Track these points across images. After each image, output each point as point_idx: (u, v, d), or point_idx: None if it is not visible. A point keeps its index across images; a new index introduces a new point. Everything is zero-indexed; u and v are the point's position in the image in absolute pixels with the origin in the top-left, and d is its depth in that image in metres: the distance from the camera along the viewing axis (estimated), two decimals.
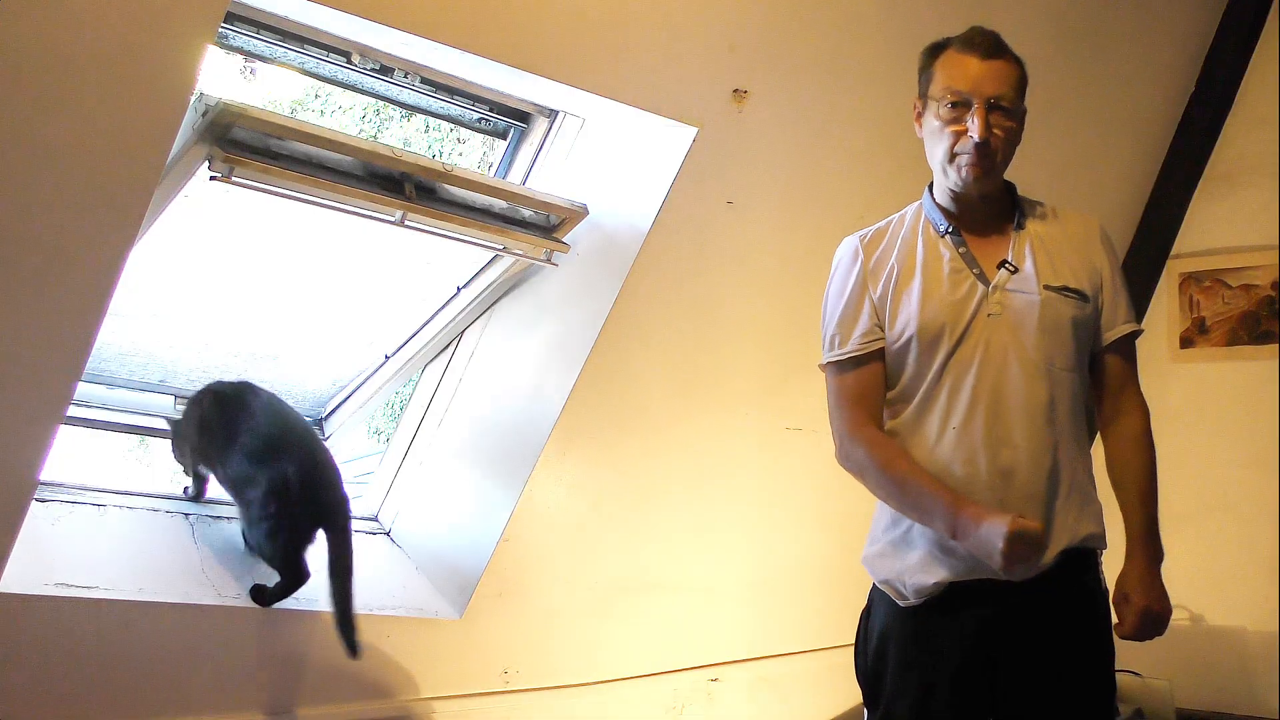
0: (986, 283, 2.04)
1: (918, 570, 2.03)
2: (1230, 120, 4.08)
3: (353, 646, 2.42)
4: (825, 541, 3.47)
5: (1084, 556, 2.02)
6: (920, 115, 2.08)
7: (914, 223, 2.13)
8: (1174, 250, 4.14)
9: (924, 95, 2.07)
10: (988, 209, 2.09)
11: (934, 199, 2.11)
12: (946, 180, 2.06)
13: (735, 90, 2.62)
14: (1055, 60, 3.25)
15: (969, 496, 1.96)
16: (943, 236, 2.08)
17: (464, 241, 2.63)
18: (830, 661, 3.44)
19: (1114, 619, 2.02)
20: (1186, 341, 4.05)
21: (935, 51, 2.07)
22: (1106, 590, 2.05)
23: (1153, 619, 1.98)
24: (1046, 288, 2.02)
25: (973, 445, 1.99)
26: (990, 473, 1.98)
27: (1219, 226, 4.07)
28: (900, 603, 2.07)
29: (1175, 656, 3.64)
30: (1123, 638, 2.01)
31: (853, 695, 3.55)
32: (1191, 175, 4.11)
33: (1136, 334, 2.10)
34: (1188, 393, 3.90)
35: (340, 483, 2.54)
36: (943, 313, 2.03)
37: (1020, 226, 2.08)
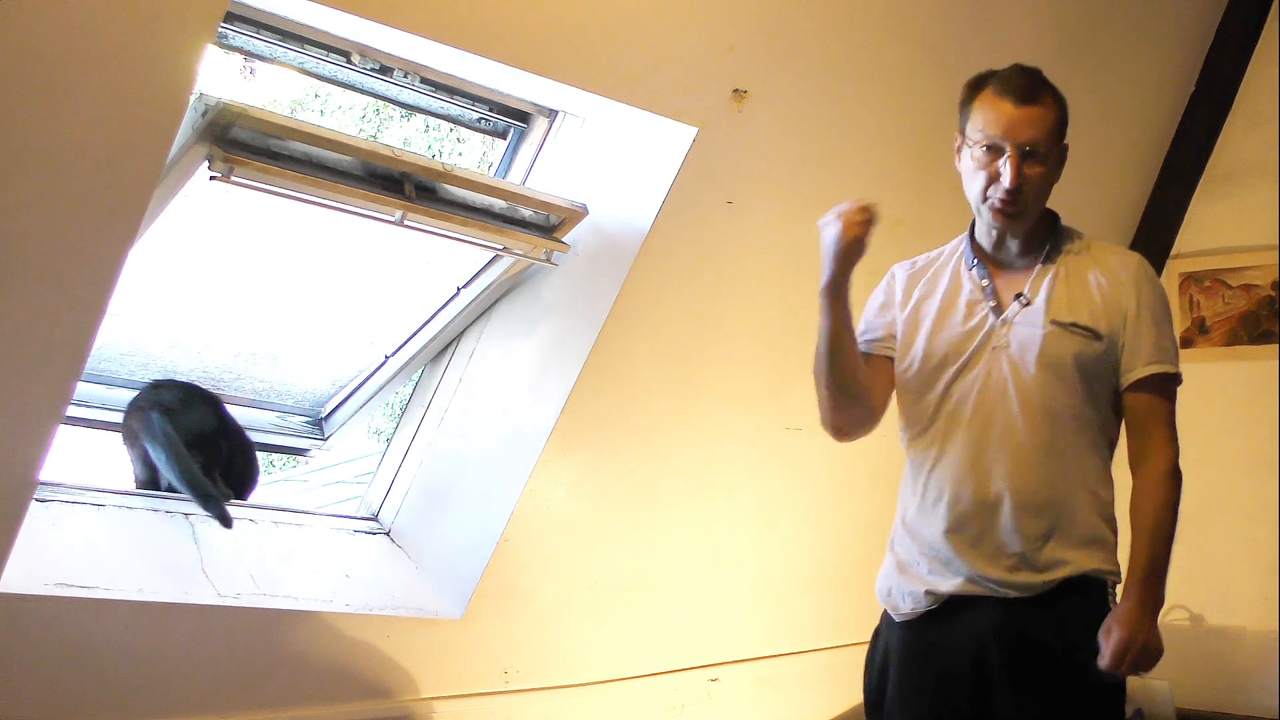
0: (999, 315, 2.06)
1: (915, 582, 2.06)
2: (1230, 120, 4.07)
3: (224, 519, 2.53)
4: (825, 541, 3.47)
5: (1086, 584, 2.01)
6: (959, 149, 2.10)
7: (952, 254, 2.18)
8: (1174, 250, 4.14)
9: (962, 131, 2.08)
10: (1023, 243, 2.10)
11: (972, 232, 2.15)
12: (980, 219, 2.10)
13: (735, 90, 2.62)
14: (1055, 60, 3.22)
15: (962, 524, 2.01)
16: (970, 270, 2.12)
17: (464, 241, 2.63)
18: (830, 661, 3.44)
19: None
20: (1186, 342, 4.05)
21: (975, 89, 2.07)
22: None
23: (1135, 650, 1.93)
24: (1054, 322, 2.02)
25: (959, 474, 2.03)
26: (976, 502, 2.01)
27: (1219, 226, 4.07)
28: (896, 618, 2.09)
29: (1175, 656, 3.61)
30: (1103, 669, 1.95)
31: (853, 695, 3.55)
32: (1191, 175, 4.11)
33: (1165, 376, 2.06)
34: (1188, 393, 3.88)
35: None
36: (948, 341, 2.07)
37: (1048, 260, 2.08)
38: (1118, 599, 2.03)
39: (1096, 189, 3.94)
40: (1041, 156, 2.01)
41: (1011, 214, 2.02)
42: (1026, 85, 2.02)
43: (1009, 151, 1.99)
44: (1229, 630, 3.85)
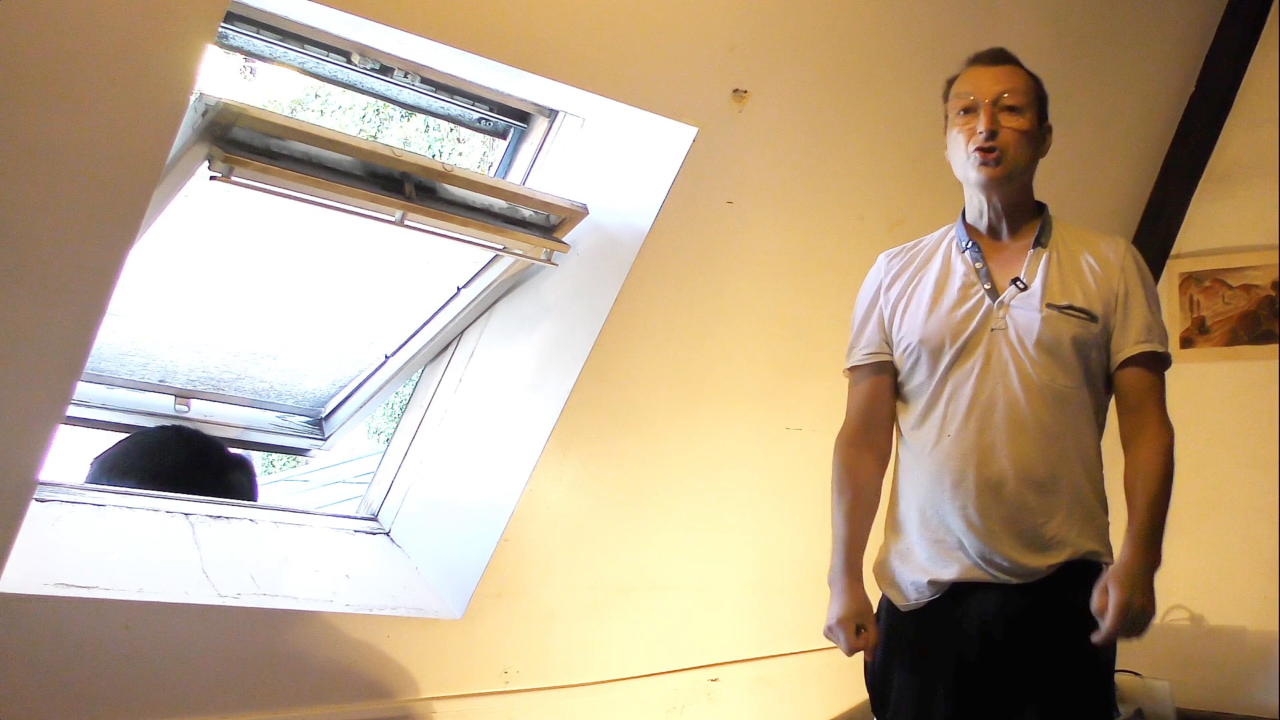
0: (995, 298, 2.08)
1: (918, 571, 2.08)
2: (1230, 120, 4.08)
3: None
4: (825, 541, 3.45)
5: (1086, 569, 2.03)
6: (948, 140, 2.15)
7: (941, 239, 2.21)
8: (1174, 250, 4.15)
9: (946, 117, 2.14)
10: (1014, 228, 2.14)
11: (964, 218, 2.18)
12: (969, 185, 2.13)
13: (735, 90, 2.62)
14: (1056, 61, 3.25)
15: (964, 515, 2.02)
16: (963, 252, 2.14)
17: (464, 241, 2.63)
18: (831, 661, 3.43)
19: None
20: (1186, 341, 4.05)
21: (953, 80, 2.16)
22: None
23: (1133, 614, 1.92)
24: (1049, 306, 2.05)
25: (964, 454, 2.04)
26: (978, 482, 2.02)
27: (1219, 226, 4.08)
28: (902, 606, 2.09)
29: (1175, 656, 3.63)
30: (1102, 633, 1.94)
31: (853, 695, 3.56)
32: (1191, 175, 4.12)
33: (1153, 355, 2.08)
34: (1188, 393, 3.88)
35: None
36: (946, 324, 2.09)
37: (1040, 244, 2.12)
38: None
39: (1097, 189, 3.95)
40: (1017, 109, 2.07)
41: (991, 162, 2.05)
42: (996, 51, 2.12)
43: (983, 104, 2.06)
44: (1229, 630, 3.85)
